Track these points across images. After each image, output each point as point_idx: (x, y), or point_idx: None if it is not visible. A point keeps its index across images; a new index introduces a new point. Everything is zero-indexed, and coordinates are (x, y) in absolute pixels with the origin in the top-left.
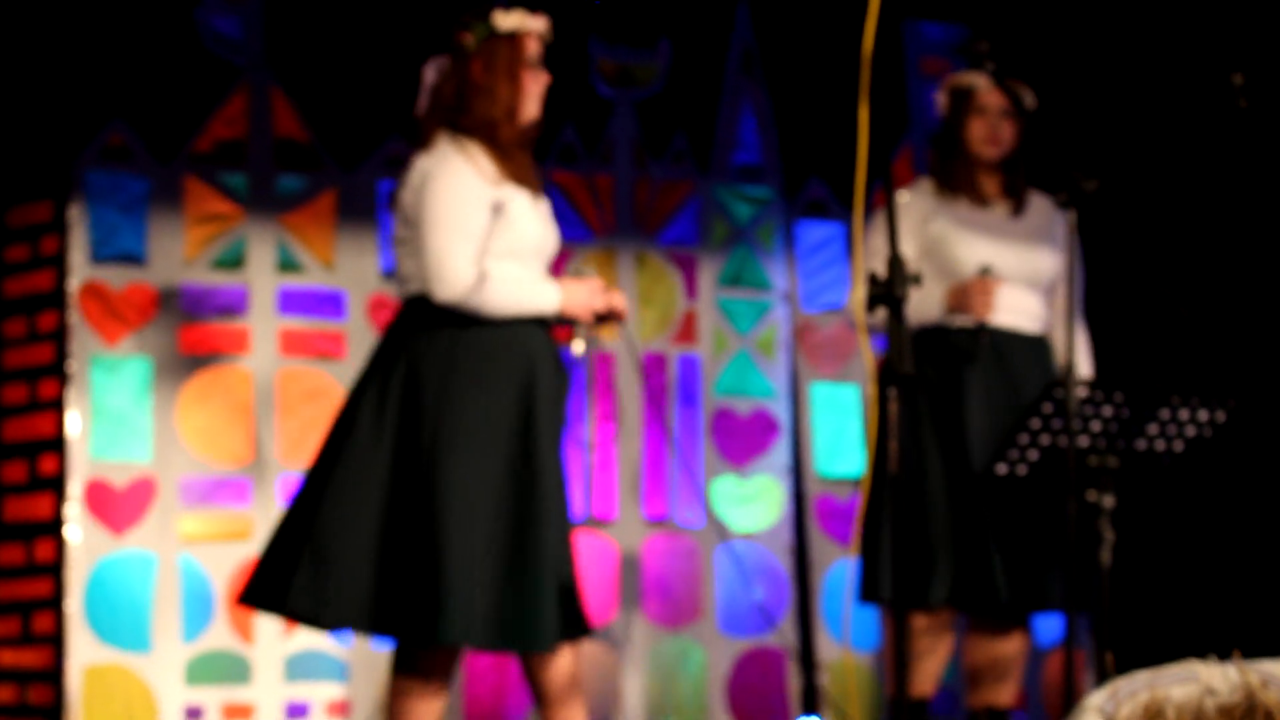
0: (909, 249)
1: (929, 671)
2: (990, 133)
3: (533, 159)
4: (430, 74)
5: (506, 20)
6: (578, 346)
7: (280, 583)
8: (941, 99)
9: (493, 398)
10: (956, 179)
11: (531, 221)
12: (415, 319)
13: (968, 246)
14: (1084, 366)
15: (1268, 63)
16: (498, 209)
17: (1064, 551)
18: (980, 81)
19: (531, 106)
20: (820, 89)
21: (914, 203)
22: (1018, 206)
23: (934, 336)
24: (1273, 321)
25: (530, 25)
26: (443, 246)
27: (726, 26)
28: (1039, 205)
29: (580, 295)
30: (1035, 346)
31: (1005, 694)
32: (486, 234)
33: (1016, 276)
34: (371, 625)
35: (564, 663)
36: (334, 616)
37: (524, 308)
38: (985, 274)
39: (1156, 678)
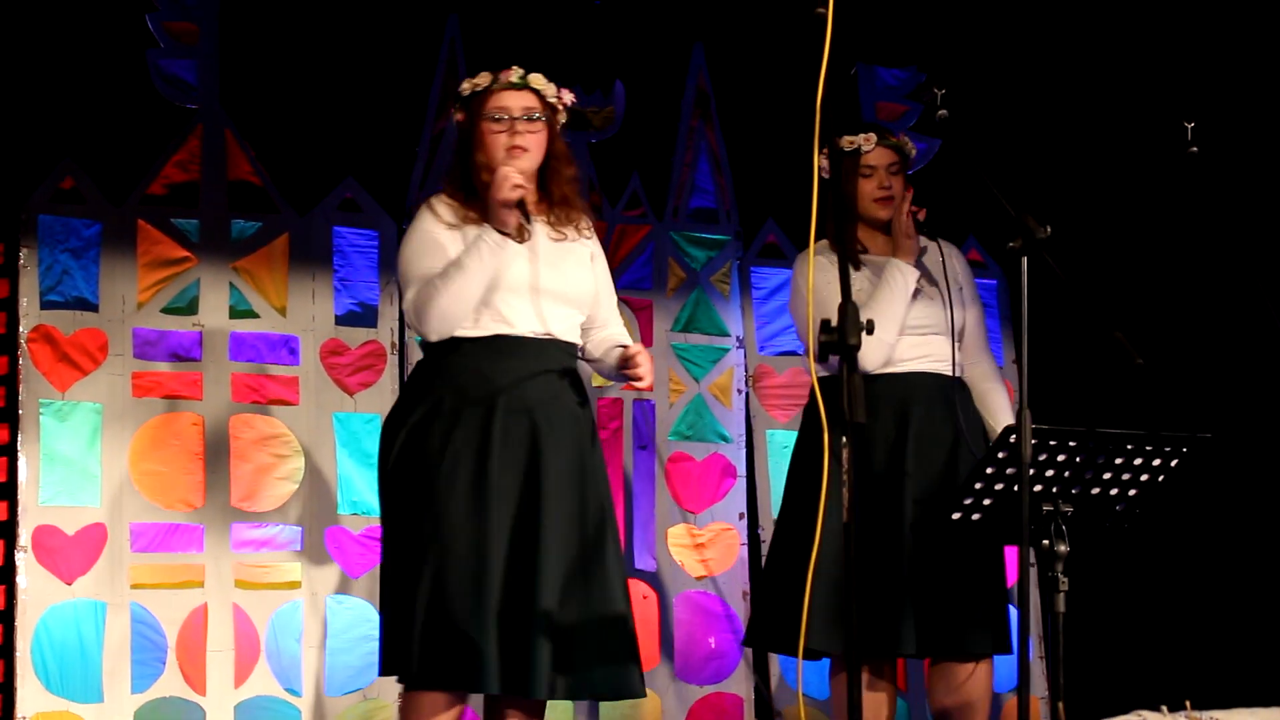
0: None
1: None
2: (882, 192)
3: (523, 210)
4: None
5: (469, 84)
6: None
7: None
8: (824, 162)
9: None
10: (850, 241)
11: (505, 256)
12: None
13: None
14: (1001, 408)
15: (1218, 109)
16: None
17: (1019, 598)
18: (863, 142)
19: (495, 158)
20: (775, 132)
21: (831, 264)
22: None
23: (885, 383)
24: (1228, 365)
25: (486, 81)
26: (403, 278)
27: (681, 68)
28: (931, 251)
29: (495, 210)
30: (949, 386)
31: None
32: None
33: (930, 326)
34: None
35: None
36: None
37: (470, 278)
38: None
39: None
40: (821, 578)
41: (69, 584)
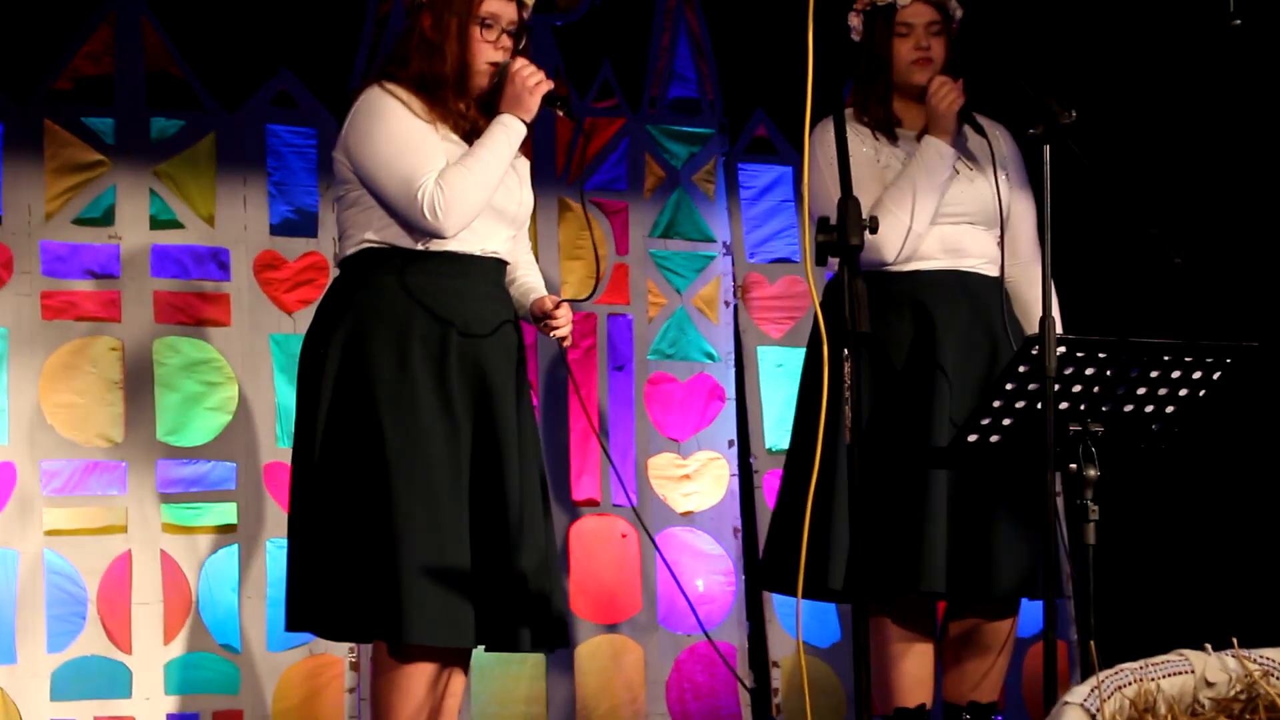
0: (872, 195)
1: (916, 676)
2: (918, 54)
3: (482, 120)
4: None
5: None
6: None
7: None
8: (855, 21)
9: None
10: (880, 110)
11: None
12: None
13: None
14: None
15: None
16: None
17: (1043, 529)
18: None
19: (480, 74)
20: (764, 12)
21: (856, 135)
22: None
23: (905, 281)
24: (1277, 265)
25: None
26: (398, 171)
27: None
28: (984, 128)
29: (522, 97)
30: (997, 290)
31: (988, 688)
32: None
33: (966, 215)
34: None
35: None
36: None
37: (494, 168)
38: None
39: (1145, 669)
40: (843, 510)
41: None
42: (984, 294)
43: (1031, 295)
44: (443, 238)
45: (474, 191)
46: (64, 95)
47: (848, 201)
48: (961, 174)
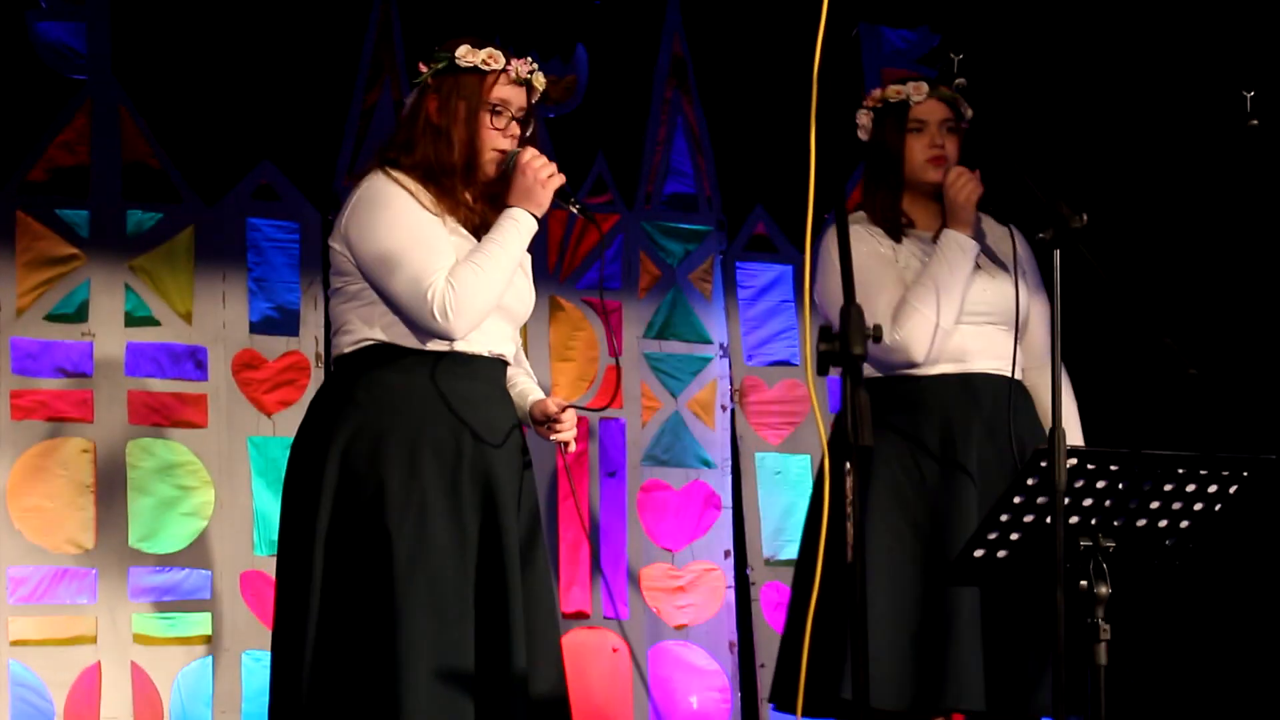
0: (893, 294)
1: None
2: (933, 151)
3: (489, 211)
4: (406, 108)
5: (472, 55)
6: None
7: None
8: (864, 119)
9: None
10: (894, 211)
11: None
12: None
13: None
14: (1073, 429)
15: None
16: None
17: (1052, 648)
18: (912, 92)
19: (488, 162)
20: (764, 105)
21: (872, 236)
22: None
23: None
24: None
25: (500, 65)
26: (407, 268)
27: (654, 30)
28: (992, 229)
29: (534, 191)
30: (1022, 394)
31: None
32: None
33: (987, 314)
34: None
35: None
36: None
37: (506, 266)
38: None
39: None
40: (882, 623)
41: None
42: (1007, 397)
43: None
44: (451, 340)
45: (486, 292)
46: (38, 186)
47: (850, 309)
48: (982, 270)
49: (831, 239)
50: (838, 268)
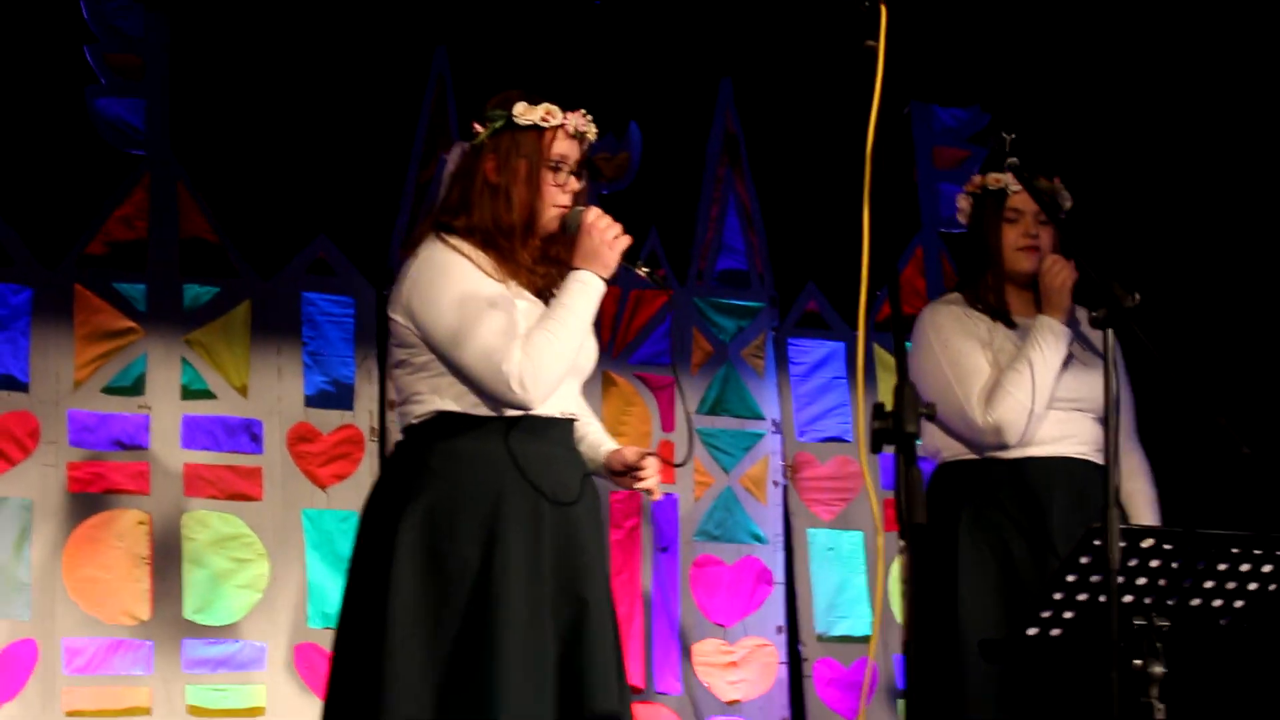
0: (989, 377)
1: None
2: (1027, 240)
3: (551, 273)
4: (449, 165)
5: (530, 112)
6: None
7: None
8: (964, 204)
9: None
10: (991, 296)
11: None
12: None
13: None
14: (1147, 512)
15: None
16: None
17: None
18: (1011, 181)
19: (550, 218)
20: (816, 182)
21: (969, 318)
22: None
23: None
24: None
25: (558, 120)
26: (479, 343)
27: (706, 108)
28: (1085, 318)
29: (601, 252)
30: (1095, 476)
31: None
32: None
33: (1076, 400)
34: None
35: None
36: None
37: (578, 331)
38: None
39: None
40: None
41: None
42: (1095, 482)
43: (1132, 487)
44: (529, 410)
45: (561, 360)
46: (96, 260)
47: (904, 388)
48: (1075, 357)
49: (931, 319)
50: (935, 348)
